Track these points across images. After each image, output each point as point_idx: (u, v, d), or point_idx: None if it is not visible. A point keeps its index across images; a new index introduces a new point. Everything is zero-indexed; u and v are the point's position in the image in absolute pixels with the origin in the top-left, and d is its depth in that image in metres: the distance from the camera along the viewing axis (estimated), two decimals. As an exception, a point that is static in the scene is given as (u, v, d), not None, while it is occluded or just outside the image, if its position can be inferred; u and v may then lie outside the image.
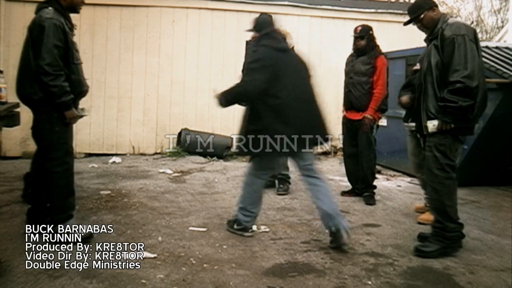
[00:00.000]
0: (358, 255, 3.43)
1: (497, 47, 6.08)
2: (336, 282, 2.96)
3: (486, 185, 5.76)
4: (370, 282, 2.96)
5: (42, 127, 3.41)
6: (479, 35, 17.63)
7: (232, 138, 7.56)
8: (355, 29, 4.98)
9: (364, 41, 4.88)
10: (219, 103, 3.68)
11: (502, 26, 15.29)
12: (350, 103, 4.95)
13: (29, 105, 3.43)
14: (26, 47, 3.38)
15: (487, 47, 6.02)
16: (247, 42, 5.33)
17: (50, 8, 3.36)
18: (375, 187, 5.00)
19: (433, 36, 3.49)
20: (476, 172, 5.71)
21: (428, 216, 4.10)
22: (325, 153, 8.12)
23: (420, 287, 2.94)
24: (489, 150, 5.49)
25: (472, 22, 16.85)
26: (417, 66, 3.66)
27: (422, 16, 3.55)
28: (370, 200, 4.86)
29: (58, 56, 3.28)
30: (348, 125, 5.03)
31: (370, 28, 4.93)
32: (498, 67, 5.32)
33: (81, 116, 3.64)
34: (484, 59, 5.44)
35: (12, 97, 3.63)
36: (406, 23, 3.77)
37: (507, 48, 6.14)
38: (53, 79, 3.25)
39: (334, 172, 6.49)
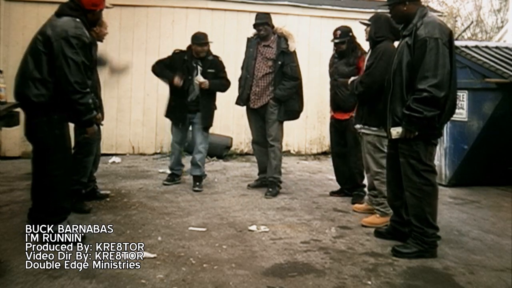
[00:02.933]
0: (358, 255, 3.43)
1: (497, 47, 6.07)
2: (336, 282, 2.96)
3: (486, 185, 5.76)
4: (370, 282, 2.96)
5: (41, 129, 3.37)
6: (479, 35, 17.51)
7: (232, 138, 7.56)
8: (334, 33, 4.94)
9: (345, 45, 4.84)
10: None
11: (502, 26, 15.29)
12: (337, 105, 4.94)
13: (27, 107, 3.39)
14: (37, 51, 3.29)
15: (487, 47, 6.01)
16: (249, 39, 5.34)
17: (78, 20, 3.32)
18: (364, 186, 4.99)
19: (407, 32, 3.41)
20: (476, 172, 5.71)
21: (373, 220, 4.14)
22: (325, 153, 8.13)
23: (420, 287, 2.94)
24: (489, 150, 5.48)
25: (472, 22, 16.83)
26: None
27: (391, 7, 3.50)
28: (357, 199, 4.83)
29: (84, 73, 3.29)
30: (336, 125, 5.02)
31: (349, 30, 4.87)
32: (498, 67, 5.31)
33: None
34: (484, 59, 5.46)
35: (11, 97, 3.62)
36: (381, 6, 3.81)
37: (507, 48, 6.12)
38: (82, 97, 3.27)
39: (334, 172, 6.49)
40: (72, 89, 3.23)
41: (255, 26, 5.19)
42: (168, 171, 5.66)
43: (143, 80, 7.49)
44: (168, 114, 5.44)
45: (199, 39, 5.20)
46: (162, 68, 5.28)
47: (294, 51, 5.13)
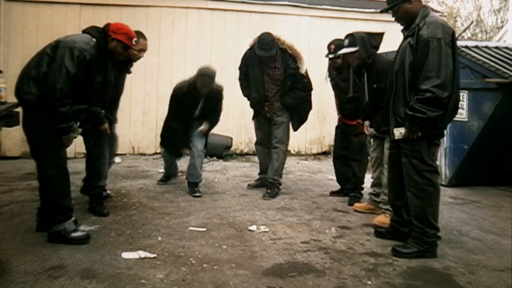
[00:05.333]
0: (358, 255, 3.43)
1: (497, 47, 6.07)
2: (336, 282, 2.95)
3: (486, 185, 5.76)
4: (370, 282, 2.96)
5: (31, 128, 3.40)
6: (479, 35, 17.45)
7: (231, 138, 7.56)
8: (328, 47, 4.76)
9: (340, 59, 4.70)
10: None
11: (502, 26, 15.30)
12: (343, 114, 4.97)
13: (21, 104, 3.43)
14: (43, 53, 3.38)
15: (487, 47, 6.02)
16: (249, 56, 5.13)
17: (94, 40, 3.44)
18: (362, 189, 5.00)
19: (409, 32, 3.39)
20: (476, 172, 5.72)
21: (384, 219, 4.06)
22: (325, 153, 8.13)
23: (420, 287, 2.94)
24: (489, 150, 5.49)
25: (472, 22, 16.84)
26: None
27: (396, 8, 3.45)
28: (354, 200, 4.84)
29: (72, 85, 3.30)
30: (343, 128, 5.02)
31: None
32: (498, 67, 5.31)
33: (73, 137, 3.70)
34: (484, 59, 5.46)
35: (12, 97, 3.63)
36: (381, 11, 3.71)
37: (507, 48, 6.13)
38: (60, 105, 3.28)
39: (333, 172, 6.49)
40: (54, 94, 3.25)
41: (263, 57, 4.92)
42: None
43: (143, 80, 7.49)
44: (166, 145, 5.38)
45: (207, 78, 4.90)
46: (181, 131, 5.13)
47: (298, 70, 4.96)
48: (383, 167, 4.27)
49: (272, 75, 5.03)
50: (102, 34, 3.53)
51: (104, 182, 4.33)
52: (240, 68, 5.29)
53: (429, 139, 3.36)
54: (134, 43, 3.64)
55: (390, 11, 3.53)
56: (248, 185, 5.50)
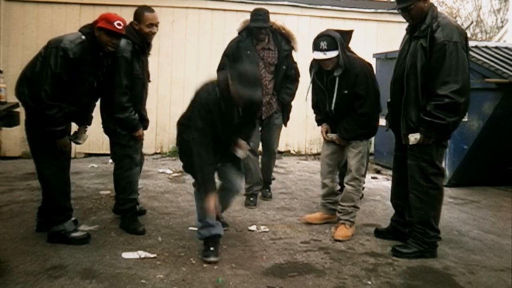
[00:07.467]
0: (358, 255, 3.43)
1: (497, 47, 6.08)
2: (336, 282, 2.96)
3: (486, 185, 5.76)
4: (370, 282, 2.96)
5: (29, 128, 3.39)
6: (479, 35, 17.39)
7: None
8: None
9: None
10: None
11: (502, 26, 15.30)
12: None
13: (22, 104, 3.42)
14: (38, 53, 3.33)
15: (487, 47, 6.02)
16: (241, 40, 4.66)
17: (83, 37, 3.29)
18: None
19: (420, 33, 3.27)
20: (476, 172, 5.72)
21: (345, 232, 3.77)
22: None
23: (420, 287, 2.94)
24: (489, 150, 5.49)
25: (472, 22, 16.84)
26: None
27: (412, 6, 3.26)
28: None
29: (58, 85, 3.21)
30: None
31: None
32: (498, 67, 5.32)
33: (76, 143, 3.67)
34: (484, 59, 5.46)
35: (12, 97, 3.63)
36: (393, 8, 3.56)
37: (506, 48, 6.13)
38: (46, 108, 3.19)
39: (334, 172, 6.49)
40: (39, 96, 3.17)
41: (257, 28, 4.48)
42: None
43: (143, 80, 7.47)
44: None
45: (252, 91, 3.11)
46: None
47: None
48: (336, 174, 4.12)
49: (266, 59, 4.61)
50: (91, 30, 3.34)
51: (135, 195, 3.91)
52: (227, 55, 4.66)
53: (438, 141, 3.33)
54: (117, 25, 3.32)
55: (401, 10, 3.35)
56: (249, 201, 4.75)
